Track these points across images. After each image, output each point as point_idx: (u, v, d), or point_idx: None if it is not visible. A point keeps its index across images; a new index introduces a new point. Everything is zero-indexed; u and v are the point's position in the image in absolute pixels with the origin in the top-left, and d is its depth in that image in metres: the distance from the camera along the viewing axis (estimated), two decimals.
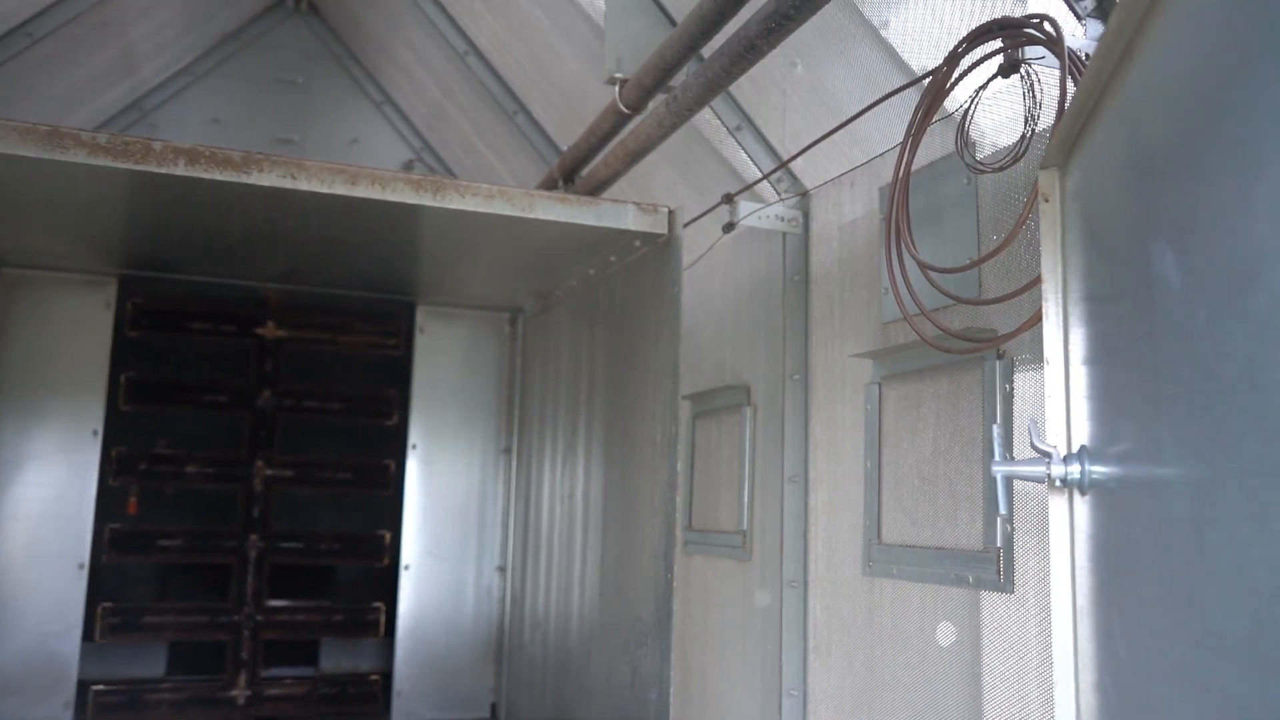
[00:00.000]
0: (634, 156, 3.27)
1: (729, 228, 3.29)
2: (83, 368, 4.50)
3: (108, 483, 4.54)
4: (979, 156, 2.50)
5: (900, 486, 2.72)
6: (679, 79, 2.98)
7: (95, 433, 4.49)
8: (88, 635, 4.41)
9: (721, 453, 3.65)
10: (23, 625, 4.29)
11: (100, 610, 4.47)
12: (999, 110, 2.57)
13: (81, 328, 4.52)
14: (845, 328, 3.08)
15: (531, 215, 3.06)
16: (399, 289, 4.89)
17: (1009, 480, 1.77)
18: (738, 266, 3.65)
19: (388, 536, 4.91)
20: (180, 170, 2.76)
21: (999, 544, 2.35)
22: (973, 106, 2.32)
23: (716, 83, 2.69)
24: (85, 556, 4.40)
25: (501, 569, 4.98)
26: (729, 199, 3.29)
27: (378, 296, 4.98)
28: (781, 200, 3.31)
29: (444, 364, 5.06)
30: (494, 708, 4.88)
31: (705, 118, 3.47)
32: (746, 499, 3.40)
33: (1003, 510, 1.73)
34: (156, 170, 2.75)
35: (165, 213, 3.55)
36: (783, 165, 3.22)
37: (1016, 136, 2.29)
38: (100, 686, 4.45)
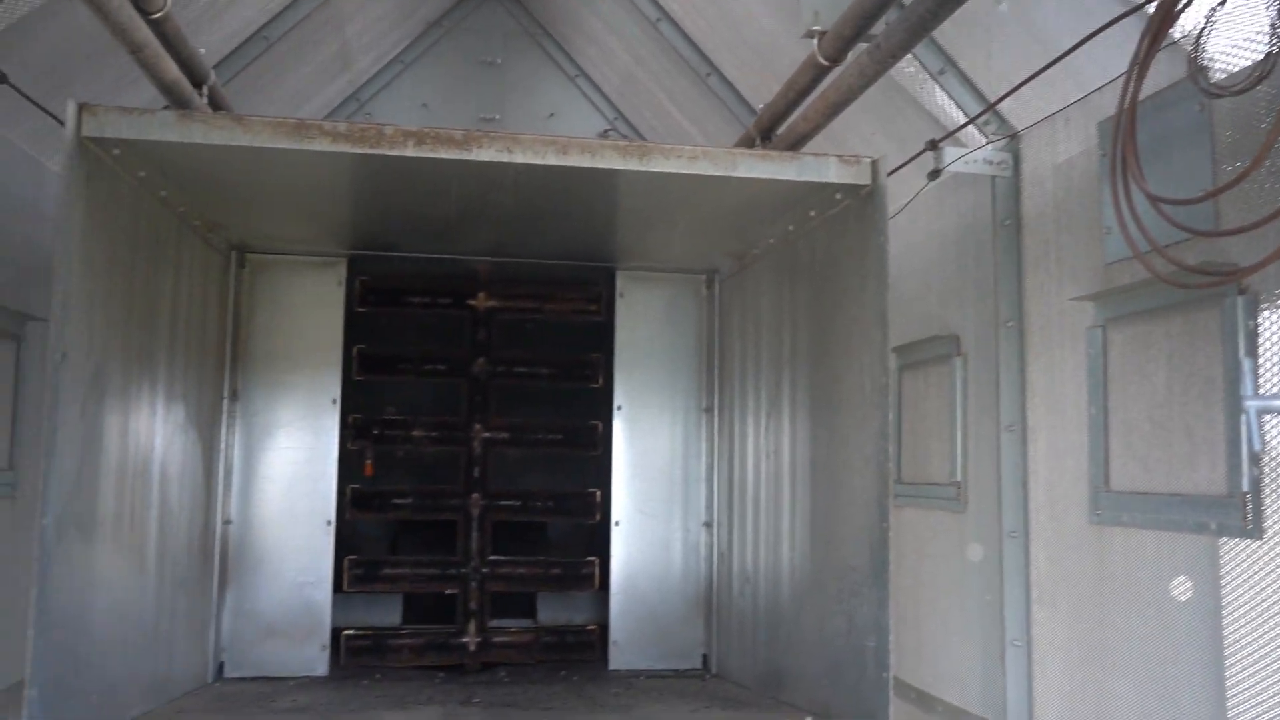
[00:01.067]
0: (835, 109, 3.26)
1: (934, 175, 3.23)
2: (320, 342, 4.90)
3: (346, 447, 4.95)
4: (1213, 80, 2.36)
5: (1130, 432, 2.62)
6: (880, 27, 2.94)
7: (334, 401, 4.89)
8: (336, 586, 4.84)
9: (929, 404, 3.60)
10: (282, 577, 4.76)
11: (346, 563, 4.89)
12: (1233, 31, 2.41)
13: (317, 306, 4.92)
14: (1062, 271, 2.98)
15: (734, 174, 3.11)
16: (599, 256, 5.06)
17: (1261, 415, 1.69)
18: (942, 214, 3.58)
19: (598, 494, 5.12)
20: (409, 151, 2.98)
21: (1245, 488, 2.24)
22: (1208, 27, 2.19)
23: (921, 26, 2.64)
24: (331, 514, 4.82)
25: (707, 525, 5.10)
26: (933, 145, 3.23)
27: (579, 265, 5.16)
28: (989, 143, 3.22)
29: (644, 327, 5.20)
30: (705, 659, 5.02)
31: (902, 64, 3.41)
32: (959, 450, 3.36)
33: (1255, 445, 1.66)
34: (388, 153, 2.98)
35: (390, 194, 3.82)
36: (991, 107, 3.13)
37: (1257, 57, 2.14)
38: (350, 631, 4.89)
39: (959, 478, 3.34)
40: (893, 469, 3.73)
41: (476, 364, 5.14)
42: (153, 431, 3.76)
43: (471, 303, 5.17)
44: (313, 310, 4.92)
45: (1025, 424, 3.06)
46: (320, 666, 4.70)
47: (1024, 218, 3.12)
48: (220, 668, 4.63)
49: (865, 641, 3.11)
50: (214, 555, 4.56)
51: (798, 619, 3.87)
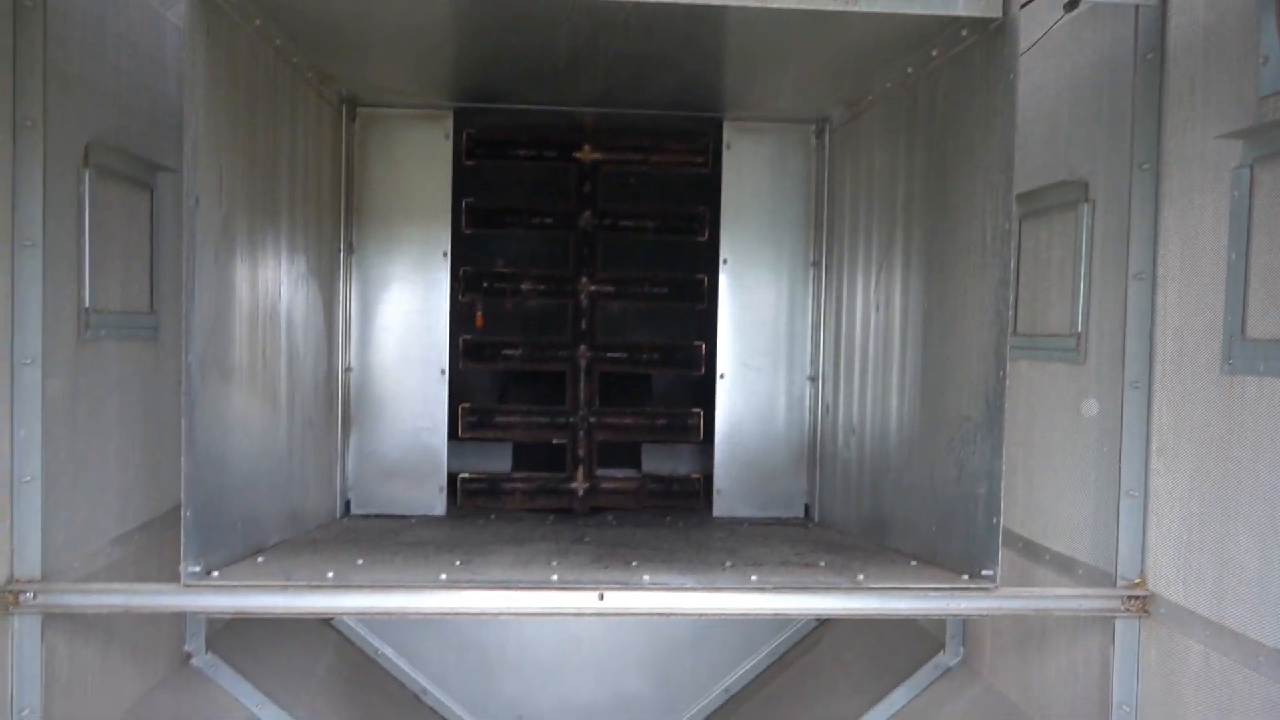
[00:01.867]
0: None
1: (1071, 6, 3.03)
2: (430, 196, 4.97)
3: (457, 299, 5.07)
4: None
5: (1272, 277, 2.50)
6: None
7: (445, 254, 4.99)
8: (451, 433, 5.05)
9: (1052, 254, 3.48)
10: (401, 421, 4.98)
11: (460, 410, 5.09)
12: None
13: (426, 159, 4.96)
14: (1208, 108, 2.79)
15: (854, 9, 2.97)
16: (706, 106, 4.94)
17: None
18: (1076, 51, 3.37)
19: (703, 347, 5.16)
20: None
21: None
22: None
23: None
24: (445, 363, 4.99)
25: (812, 379, 5.11)
26: None
27: (685, 115, 5.06)
28: None
29: (751, 179, 5.11)
30: (807, 509, 5.12)
31: None
32: (1081, 301, 3.25)
33: None
34: None
35: (498, 37, 3.78)
36: None
37: None
38: (465, 475, 5.12)
39: (1079, 329, 3.25)
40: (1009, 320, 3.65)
41: (583, 217, 5.15)
42: (278, 280, 3.90)
43: (577, 155, 5.15)
44: (421, 164, 4.97)
45: (1155, 272, 2.94)
46: (439, 507, 4.96)
47: (1168, 50, 2.91)
48: (347, 505, 4.92)
49: (976, 489, 3.12)
50: (337, 400, 4.78)
51: (904, 469, 3.90)
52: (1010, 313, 3.09)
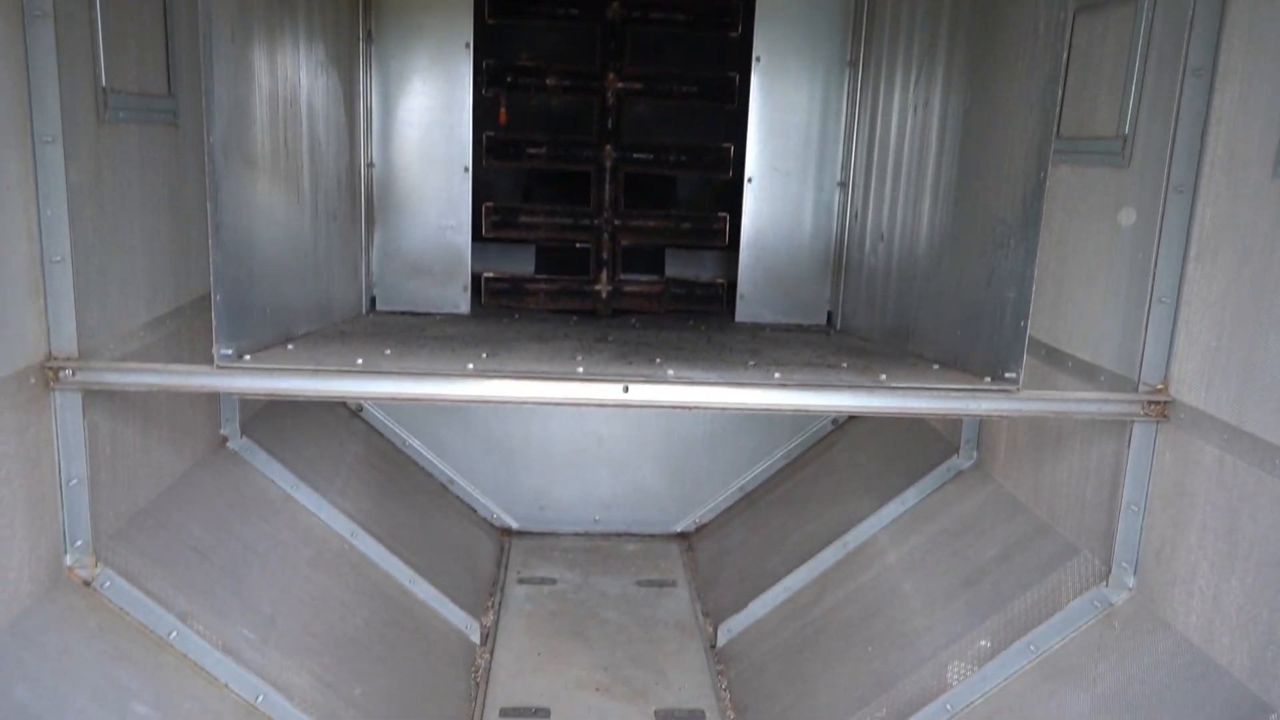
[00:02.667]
0: None
1: None
2: None
3: (481, 93, 4.92)
4: None
5: None
6: None
7: (467, 45, 4.80)
8: (475, 233, 5.01)
9: (1104, 51, 3.31)
10: (425, 219, 4.95)
11: (484, 209, 5.04)
12: None
13: None
14: None
15: None
16: None
17: None
18: None
19: (732, 149, 5.03)
20: None
21: None
22: None
23: None
24: (468, 160, 4.90)
25: (842, 184, 5.00)
26: None
27: None
28: None
29: None
30: (830, 316, 5.13)
31: None
32: (1132, 100, 3.11)
33: None
34: None
35: None
36: None
37: None
38: (489, 274, 5.13)
39: (1126, 131, 3.13)
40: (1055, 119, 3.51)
41: (610, 7, 4.92)
42: (297, 66, 3.78)
43: None
44: None
45: (1215, 68, 2.79)
46: (463, 305, 4.99)
47: None
48: (373, 302, 4.96)
49: (1005, 292, 3.09)
50: (360, 195, 4.74)
51: (932, 274, 3.86)
52: (1056, 111, 2.98)
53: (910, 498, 4.25)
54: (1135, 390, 2.98)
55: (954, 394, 2.98)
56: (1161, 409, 2.92)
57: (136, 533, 3.23)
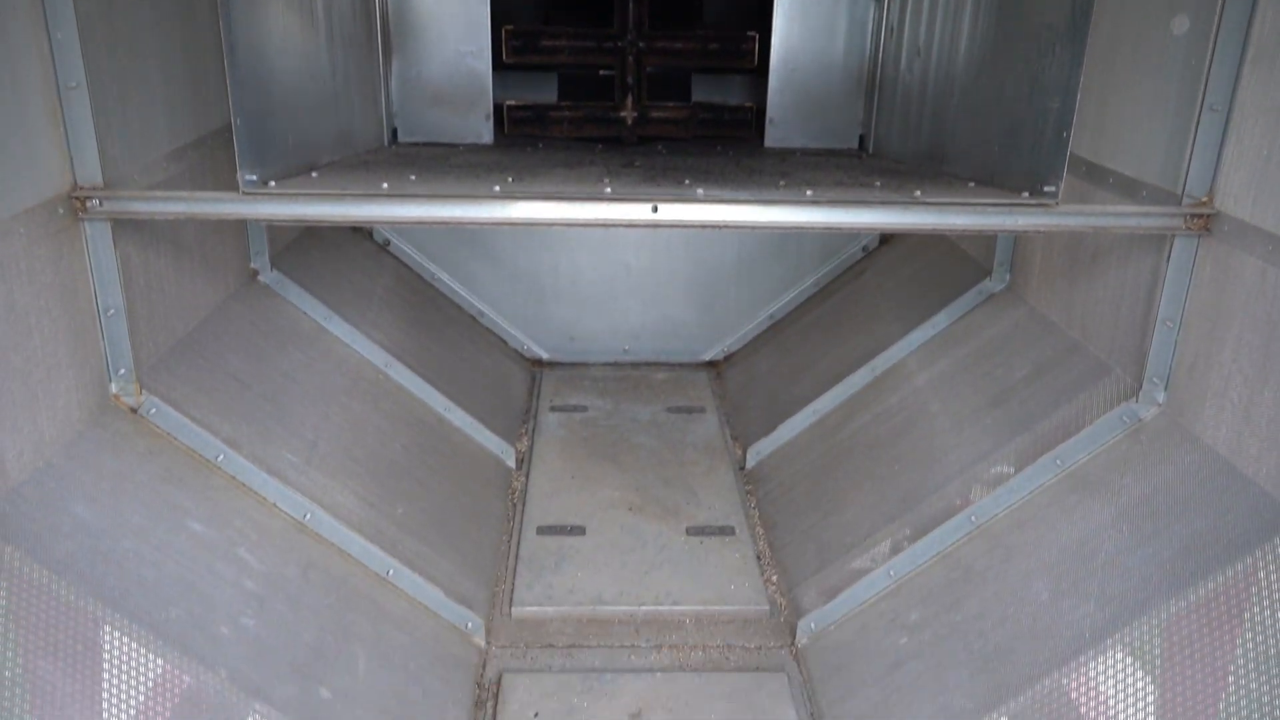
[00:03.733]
0: None
1: None
2: None
3: None
4: None
5: None
6: None
7: None
8: (495, 58, 4.86)
9: None
10: (444, 44, 4.79)
11: (504, 33, 4.86)
12: None
13: None
14: None
15: None
16: None
17: None
18: None
19: None
20: None
21: None
22: None
23: None
24: None
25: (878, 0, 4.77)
26: None
27: None
28: None
29: None
30: (862, 139, 4.99)
31: None
32: None
33: None
34: None
35: None
36: None
37: None
38: (512, 103, 5.00)
39: None
40: None
41: None
42: None
43: None
44: None
45: None
46: (485, 135, 4.90)
47: None
48: (394, 133, 4.87)
49: (1048, 103, 2.98)
50: (375, 20, 4.57)
51: (971, 88, 3.72)
52: None
53: (940, 321, 4.24)
54: (1179, 204, 2.90)
55: (991, 209, 2.92)
56: (1205, 222, 2.85)
57: (177, 363, 3.30)
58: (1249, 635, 2.33)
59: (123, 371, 2.98)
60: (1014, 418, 3.50)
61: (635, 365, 5.61)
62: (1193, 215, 2.85)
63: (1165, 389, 3.03)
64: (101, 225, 2.83)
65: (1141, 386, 3.10)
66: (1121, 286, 3.29)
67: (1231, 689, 2.32)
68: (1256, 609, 2.35)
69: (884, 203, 2.92)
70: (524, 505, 4.20)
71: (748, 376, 5.31)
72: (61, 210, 2.71)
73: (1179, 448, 2.88)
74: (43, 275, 2.61)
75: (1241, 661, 2.32)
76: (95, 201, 2.78)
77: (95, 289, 2.87)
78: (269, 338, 3.88)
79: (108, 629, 2.39)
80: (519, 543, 3.94)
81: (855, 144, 5.00)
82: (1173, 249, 2.94)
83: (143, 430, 2.99)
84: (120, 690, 2.32)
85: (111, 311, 2.92)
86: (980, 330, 4.07)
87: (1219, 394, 2.77)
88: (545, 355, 5.60)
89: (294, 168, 3.37)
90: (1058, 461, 3.18)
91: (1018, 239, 4.07)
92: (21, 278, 2.51)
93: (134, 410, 3.01)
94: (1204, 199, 2.87)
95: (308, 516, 3.21)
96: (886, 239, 5.45)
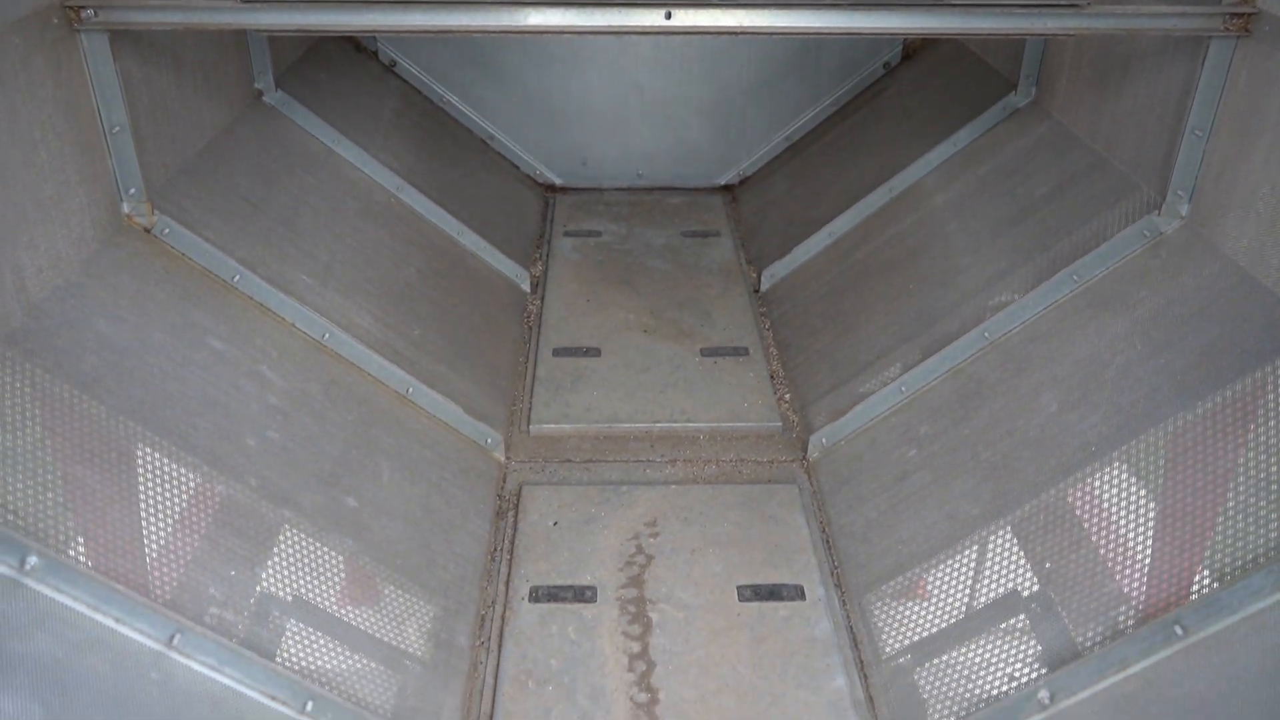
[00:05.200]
0: None
1: None
2: None
3: None
4: None
5: None
6: None
7: None
8: None
9: None
10: None
11: None
12: None
13: None
14: None
15: None
16: None
17: None
18: None
19: None
20: None
21: None
22: None
23: None
24: None
25: None
26: None
27: None
28: None
29: None
30: None
31: None
32: None
33: None
34: None
35: None
36: None
37: None
38: None
39: None
40: None
41: None
42: None
43: None
44: None
45: None
46: None
47: None
48: None
49: None
50: None
51: None
52: None
53: (962, 138, 4.14)
54: (1218, 2, 2.77)
55: (1019, 11, 2.78)
56: (1244, 22, 2.72)
57: (187, 184, 3.27)
58: (1254, 447, 2.37)
59: (133, 191, 2.96)
60: (1033, 235, 3.46)
61: (649, 190, 5.54)
62: (1232, 15, 2.72)
63: (1189, 201, 2.97)
64: (99, 37, 2.75)
65: (1165, 199, 3.04)
66: (1151, 96, 3.18)
67: (1231, 497, 2.38)
68: (1264, 420, 2.38)
69: (909, 5, 2.79)
70: (539, 328, 4.23)
71: (763, 199, 5.24)
72: (56, 20, 2.63)
73: (1199, 260, 2.85)
74: (42, 89, 2.56)
75: (1243, 470, 2.36)
76: (90, 11, 2.69)
77: (98, 105, 2.82)
78: (278, 160, 3.83)
79: (138, 441, 2.46)
80: (535, 364, 4.00)
81: None
82: (1208, 53, 2.82)
83: (158, 251, 3.00)
84: (156, 496, 2.41)
85: (117, 129, 2.87)
86: (1002, 147, 3.97)
87: (1244, 204, 2.71)
88: (558, 180, 5.52)
89: None
90: (1075, 277, 3.16)
91: (1046, 49, 3.91)
92: (21, 91, 2.46)
93: (148, 230, 3.00)
94: None
95: (326, 336, 3.26)
96: (909, 54, 5.25)
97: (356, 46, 5.15)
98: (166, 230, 3.03)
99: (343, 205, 3.95)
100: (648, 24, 2.74)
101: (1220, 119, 2.84)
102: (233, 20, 2.78)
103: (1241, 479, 2.35)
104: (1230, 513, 2.34)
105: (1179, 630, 2.16)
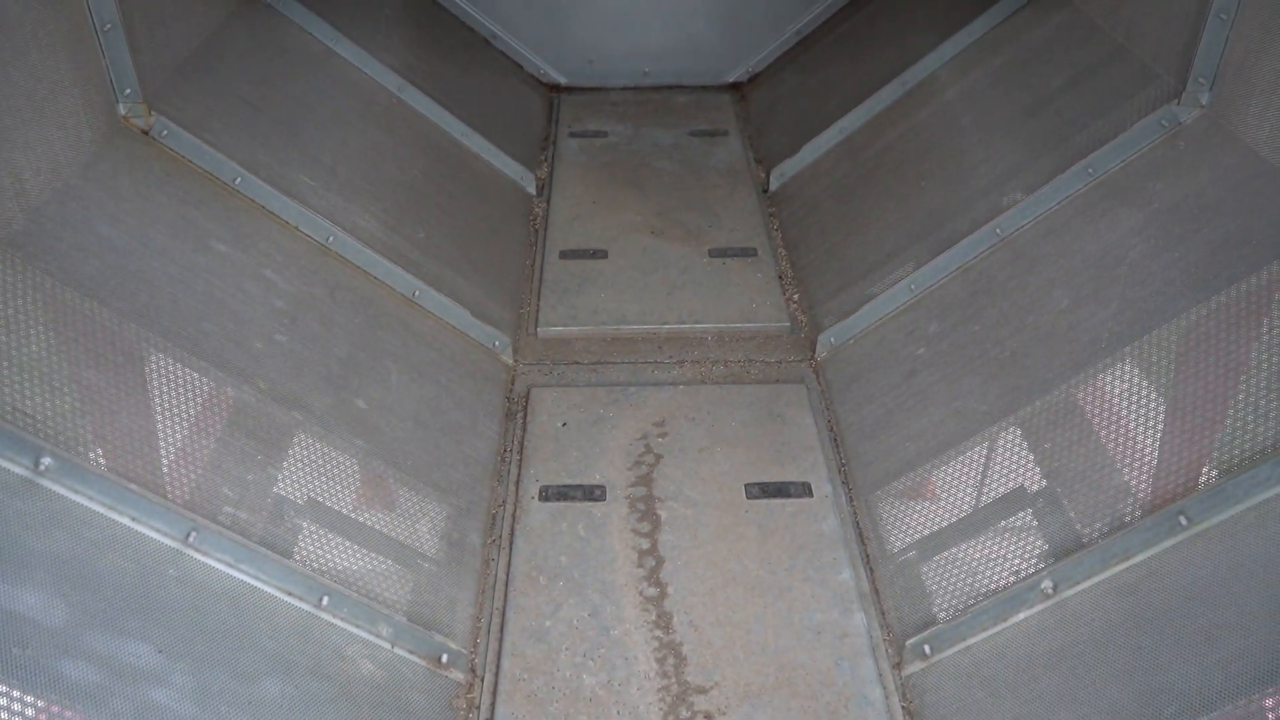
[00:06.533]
0: None
1: None
2: None
3: None
4: None
5: None
6: None
7: None
8: None
9: None
10: None
11: None
12: None
13: None
14: None
15: None
16: None
17: None
18: None
19: None
20: None
21: None
22: None
23: None
24: None
25: None
26: None
27: None
28: None
29: None
30: None
31: None
32: None
33: None
34: None
35: None
36: None
37: None
38: None
39: None
40: None
41: None
42: None
43: None
44: None
45: None
46: None
47: None
48: None
49: None
50: None
51: None
52: None
53: (977, 28, 4.01)
54: None
55: None
56: None
57: (184, 84, 3.21)
58: (1266, 340, 2.34)
59: (129, 92, 2.90)
60: (1048, 128, 3.38)
61: (656, 88, 5.42)
62: None
63: (1210, 89, 2.88)
64: None
65: (1185, 88, 2.95)
66: None
67: (1240, 389, 2.36)
68: (1278, 314, 2.35)
69: None
70: (545, 230, 4.19)
71: (773, 97, 5.12)
72: None
73: (1218, 150, 2.78)
74: None
75: (1255, 362, 2.34)
76: None
77: (89, 1, 2.75)
78: (276, 60, 3.75)
79: (147, 346, 2.47)
80: (542, 266, 3.97)
81: None
82: None
83: (157, 153, 2.96)
84: (166, 399, 2.43)
85: (109, 26, 2.80)
86: (1019, 37, 3.85)
87: (1267, 91, 2.63)
88: (563, 79, 5.40)
89: None
90: (1089, 170, 3.09)
91: None
92: None
93: (145, 132, 2.96)
94: None
95: (330, 239, 3.23)
96: None
97: None
98: (165, 132, 2.98)
99: (344, 106, 3.88)
100: None
101: (1245, 2, 2.74)
102: None
103: (1252, 373, 2.33)
104: (1239, 406, 2.33)
105: (1183, 520, 2.18)
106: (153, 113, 2.97)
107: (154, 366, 2.47)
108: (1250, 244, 2.48)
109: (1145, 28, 3.21)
